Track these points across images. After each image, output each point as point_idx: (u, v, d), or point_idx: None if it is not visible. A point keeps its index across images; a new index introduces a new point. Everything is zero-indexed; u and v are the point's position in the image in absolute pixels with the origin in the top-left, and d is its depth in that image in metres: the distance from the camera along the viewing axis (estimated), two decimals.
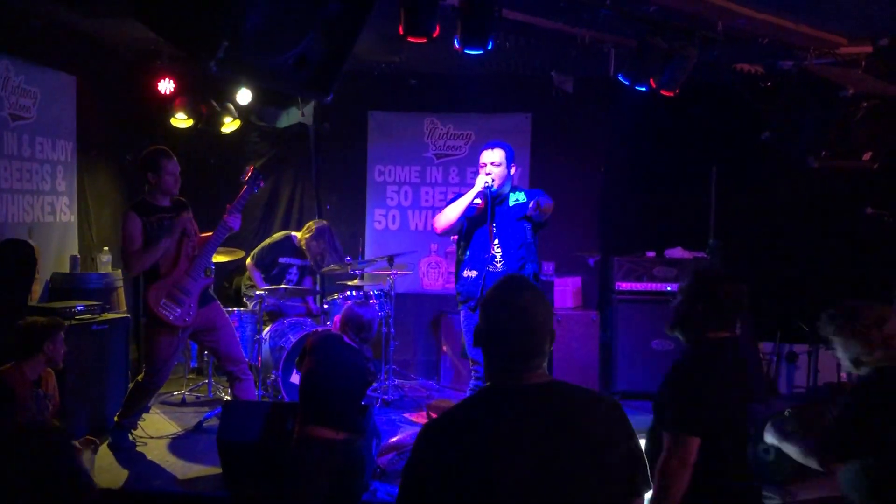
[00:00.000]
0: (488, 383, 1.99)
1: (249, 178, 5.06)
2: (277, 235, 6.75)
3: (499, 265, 4.78)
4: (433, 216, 7.45)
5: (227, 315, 5.31)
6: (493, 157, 4.78)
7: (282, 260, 6.61)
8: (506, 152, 4.82)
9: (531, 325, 1.95)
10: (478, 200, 4.78)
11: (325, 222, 6.62)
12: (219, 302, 5.27)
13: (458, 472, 1.83)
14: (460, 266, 4.92)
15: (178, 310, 4.83)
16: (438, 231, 4.92)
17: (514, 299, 1.98)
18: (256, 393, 5.74)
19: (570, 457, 1.85)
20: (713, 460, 2.68)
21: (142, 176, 4.93)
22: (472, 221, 4.88)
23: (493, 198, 4.76)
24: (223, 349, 5.14)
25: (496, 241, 4.81)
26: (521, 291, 2.00)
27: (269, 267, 6.59)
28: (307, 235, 6.45)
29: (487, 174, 4.73)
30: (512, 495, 1.81)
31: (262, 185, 5.25)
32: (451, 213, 4.82)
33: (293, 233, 6.68)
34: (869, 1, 4.77)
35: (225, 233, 4.94)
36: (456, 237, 5.07)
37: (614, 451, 1.91)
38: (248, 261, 6.58)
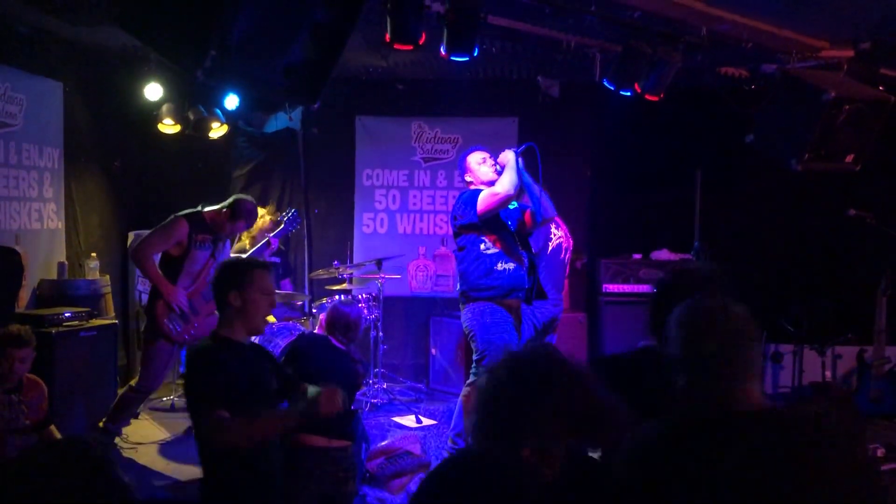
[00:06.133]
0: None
1: (288, 218, 5.82)
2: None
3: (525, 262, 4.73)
4: (421, 220, 7.57)
5: None
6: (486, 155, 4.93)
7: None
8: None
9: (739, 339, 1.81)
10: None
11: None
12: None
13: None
14: (487, 261, 4.58)
15: (181, 325, 4.91)
16: (502, 197, 4.57)
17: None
18: None
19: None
20: None
21: (224, 214, 5.05)
22: (496, 220, 4.69)
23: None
24: None
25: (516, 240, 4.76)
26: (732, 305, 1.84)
27: None
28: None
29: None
30: None
31: (297, 225, 5.96)
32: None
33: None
34: (850, 5, 4.84)
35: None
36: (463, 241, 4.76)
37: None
38: None
